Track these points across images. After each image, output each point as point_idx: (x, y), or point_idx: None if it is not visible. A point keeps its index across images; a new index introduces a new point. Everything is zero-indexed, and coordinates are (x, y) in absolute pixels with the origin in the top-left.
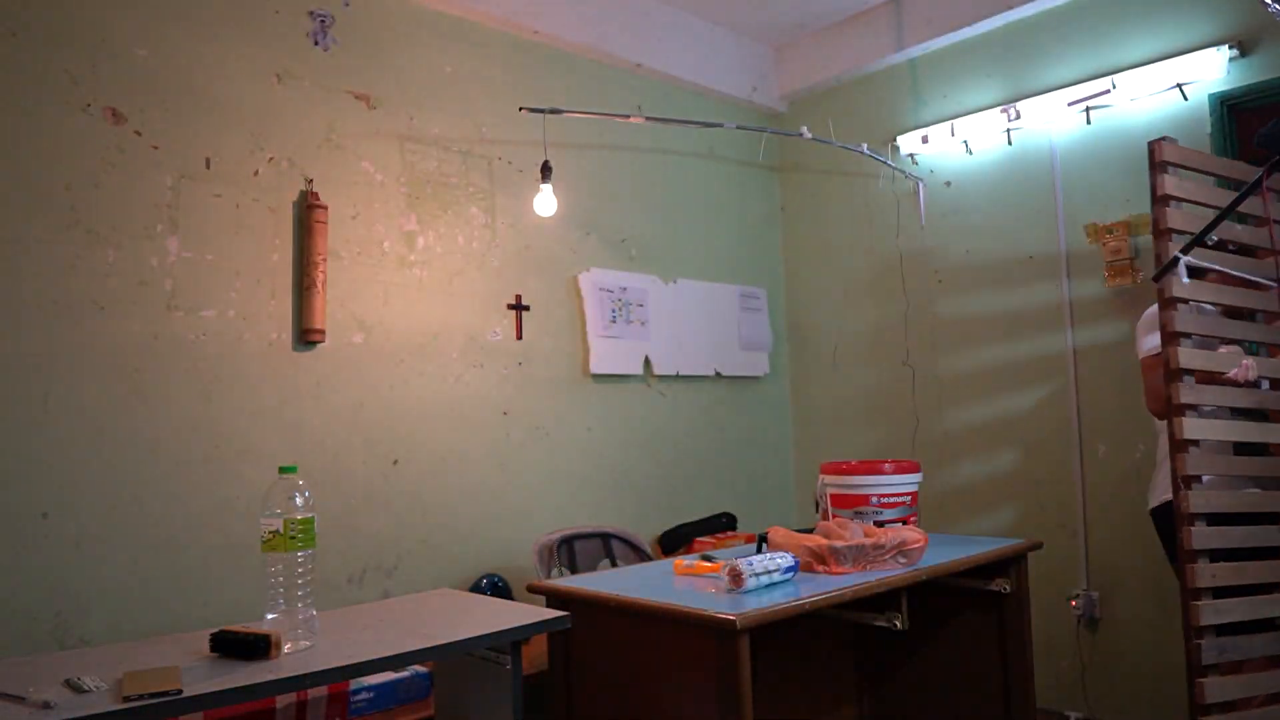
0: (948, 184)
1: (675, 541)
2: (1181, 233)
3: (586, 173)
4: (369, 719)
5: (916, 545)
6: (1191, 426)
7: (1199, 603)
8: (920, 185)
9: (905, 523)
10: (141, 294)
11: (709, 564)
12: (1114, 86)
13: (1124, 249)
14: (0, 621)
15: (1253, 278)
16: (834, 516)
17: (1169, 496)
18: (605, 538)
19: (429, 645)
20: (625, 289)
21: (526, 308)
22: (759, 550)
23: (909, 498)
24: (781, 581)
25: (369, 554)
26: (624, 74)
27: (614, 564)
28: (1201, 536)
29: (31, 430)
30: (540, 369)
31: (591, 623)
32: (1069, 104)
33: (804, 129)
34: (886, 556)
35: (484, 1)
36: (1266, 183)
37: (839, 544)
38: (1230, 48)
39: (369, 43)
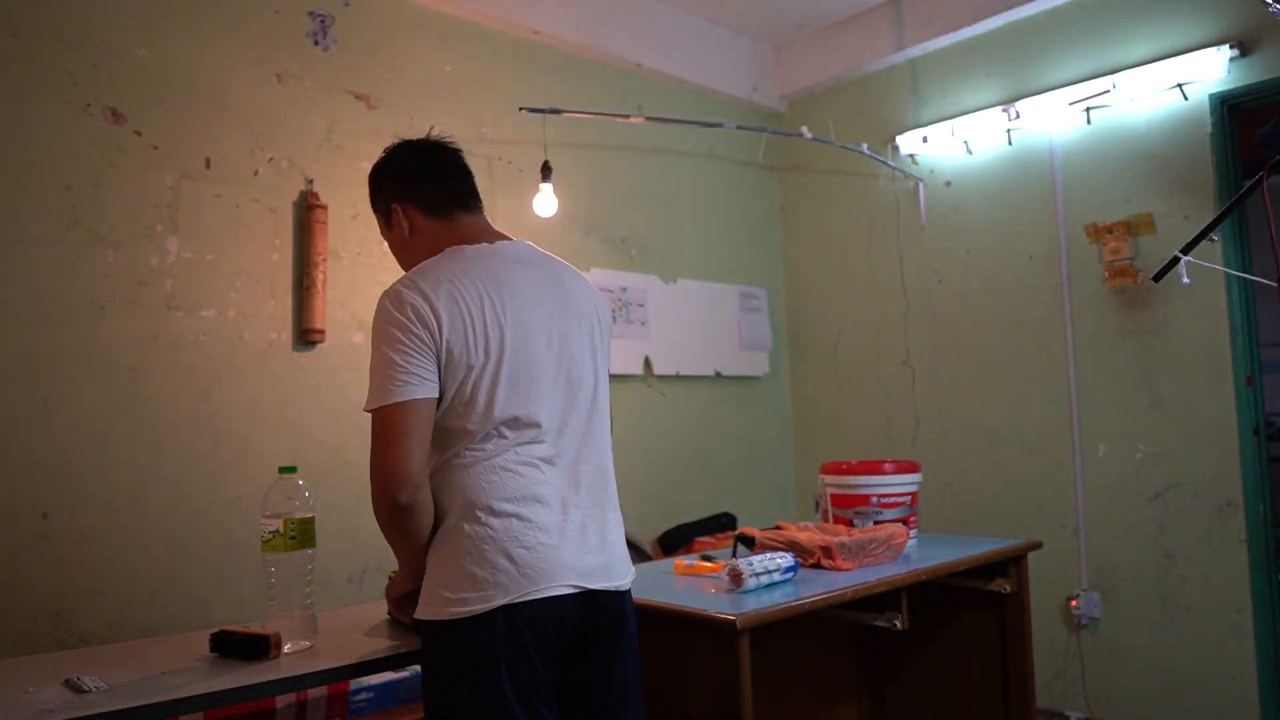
0: (948, 184)
1: (675, 541)
2: None
3: (586, 173)
4: (369, 719)
5: (900, 540)
6: None
7: None
8: (920, 185)
9: (905, 523)
10: (141, 294)
11: (709, 564)
12: (1114, 86)
13: (1124, 249)
14: (0, 622)
15: (1253, 278)
16: (834, 518)
17: None
18: None
19: None
20: (625, 289)
21: None
22: (735, 552)
23: (909, 498)
24: (781, 581)
25: (369, 554)
26: (624, 74)
27: None
28: None
29: (32, 430)
30: None
31: None
32: (1069, 104)
33: (804, 129)
34: (879, 550)
35: (484, 1)
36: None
37: (846, 539)
38: (1230, 47)
39: (369, 43)
